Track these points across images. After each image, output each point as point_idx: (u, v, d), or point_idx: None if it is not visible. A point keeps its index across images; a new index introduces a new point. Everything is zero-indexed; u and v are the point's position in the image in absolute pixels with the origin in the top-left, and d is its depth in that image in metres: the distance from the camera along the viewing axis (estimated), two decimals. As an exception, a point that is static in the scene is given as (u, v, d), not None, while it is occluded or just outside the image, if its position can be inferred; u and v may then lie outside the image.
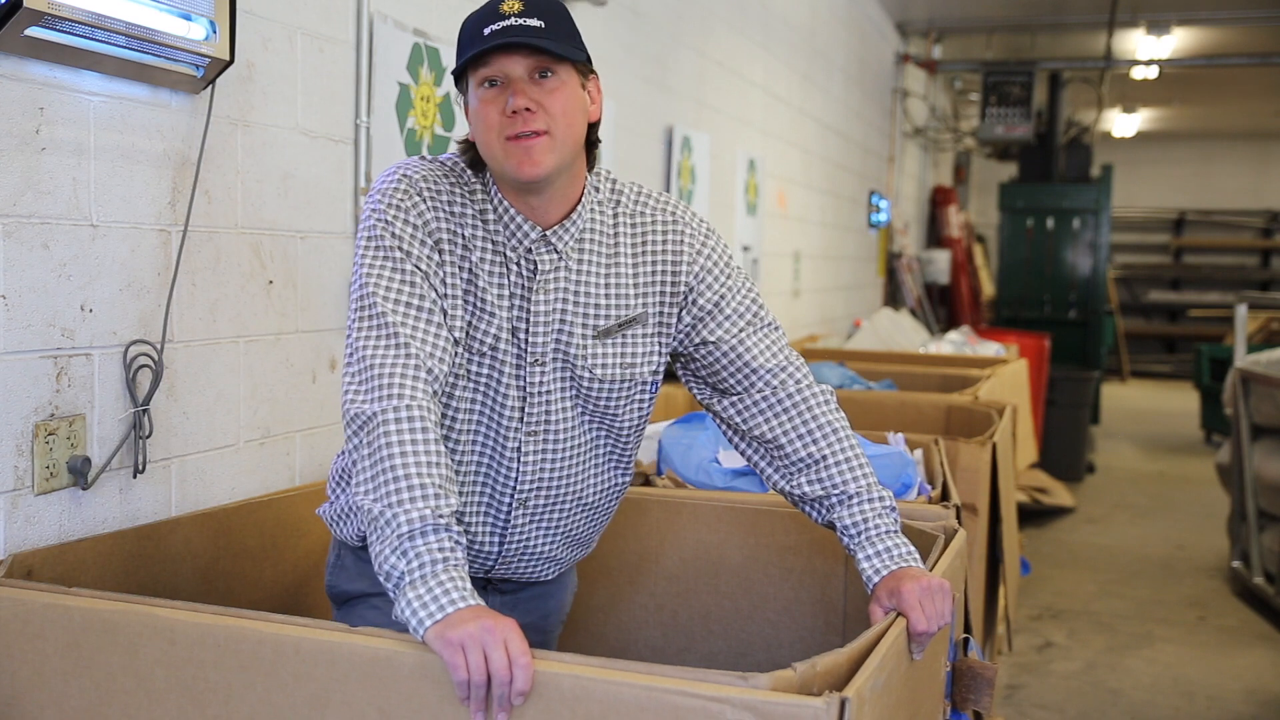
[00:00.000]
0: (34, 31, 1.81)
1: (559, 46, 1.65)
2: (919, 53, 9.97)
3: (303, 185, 2.52)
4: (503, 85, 1.67)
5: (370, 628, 1.53)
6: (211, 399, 2.30)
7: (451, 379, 1.74)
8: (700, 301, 1.82)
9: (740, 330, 1.83)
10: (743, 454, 1.90)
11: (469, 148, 1.77)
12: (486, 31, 1.65)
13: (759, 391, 1.84)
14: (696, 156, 4.90)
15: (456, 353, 1.74)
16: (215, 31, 2.12)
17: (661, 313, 1.82)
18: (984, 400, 4.02)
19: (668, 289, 1.82)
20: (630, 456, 1.93)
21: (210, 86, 2.20)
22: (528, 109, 1.65)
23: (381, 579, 1.49)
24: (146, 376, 2.11)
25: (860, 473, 1.81)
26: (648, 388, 1.86)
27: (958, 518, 2.32)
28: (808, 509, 1.85)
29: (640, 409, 1.87)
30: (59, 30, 1.84)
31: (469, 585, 1.47)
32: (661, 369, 1.86)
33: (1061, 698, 4.33)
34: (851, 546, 1.78)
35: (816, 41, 7.04)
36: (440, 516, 1.50)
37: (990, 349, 6.77)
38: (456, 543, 1.50)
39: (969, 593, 2.26)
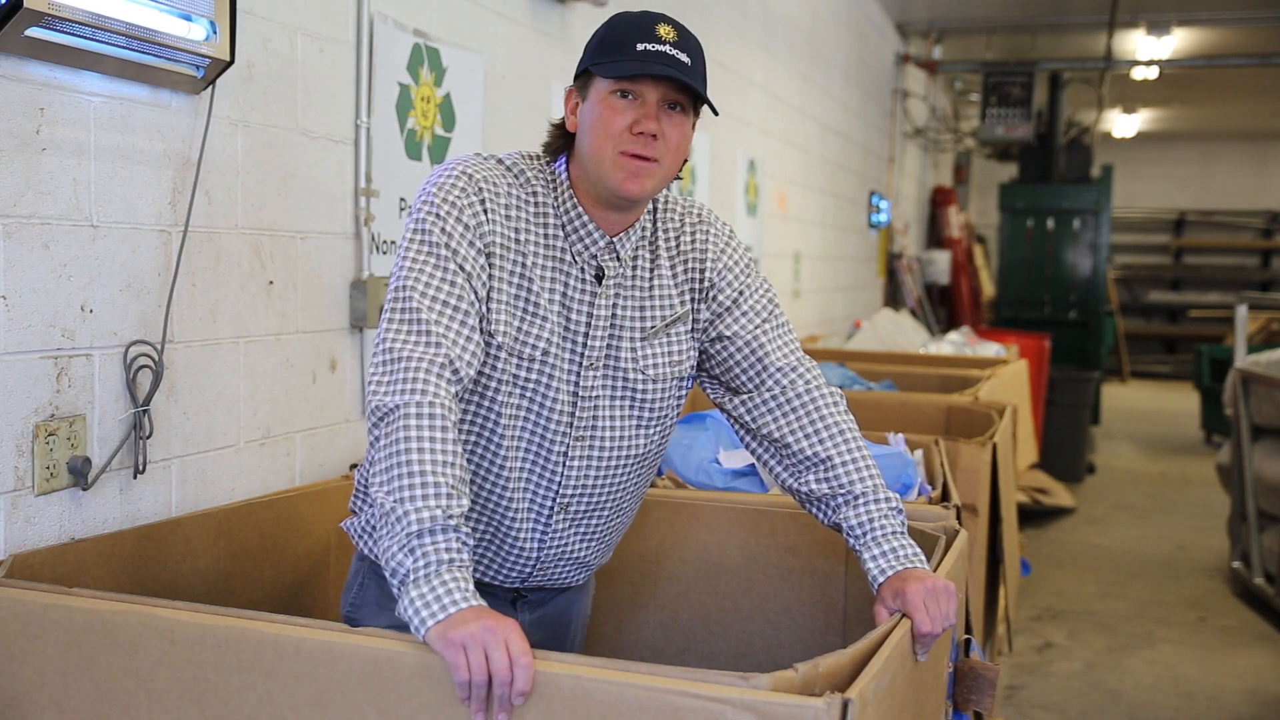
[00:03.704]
0: (34, 32, 1.81)
1: (703, 92, 1.72)
2: (919, 53, 9.97)
3: (303, 185, 2.52)
4: (636, 102, 1.70)
5: (370, 628, 1.53)
6: (212, 399, 2.30)
7: (495, 384, 1.75)
8: (720, 297, 1.87)
9: (756, 327, 1.87)
10: (752, 452, 1.92)
11: (560, 134, 1.79)
12: (639, 48, 1.68)
13: (769, 390, 1.86)
14: (696, 157, 4.90)
15: (502, 358, 1.74)
16: (215, 32, 2.12)
17: (693, 308, 1.87)
18: (984, 401, 4.02)
19: (696, 285, 1.87)
20: (659, 459, 1.95)
21: (210, 87, 2.20)
22: (654, 135, 1.70)
23: (388, 574, 1.49)
24: (147, 377, 2.11)
25: (867, 474, 1.82)
26: (686, 383, 1.90)
27: (958, 518, 2.32)
28: (814, 509, 1.86)
29: (680, 405, 1.91)
30: (59, 31, 1.84)
31: (472, 586, 1.47)
32: (696, 364, 1.91)
33: (1061, 698, 4.33)
34: (857, 547, 1.79)
35: (816, 42, 7.04)
36: (450, 517, 1.50)
37: (990, 349, 6.77)
38: (463, 544, 1.50)
39: (969, 593, 2.25)
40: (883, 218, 9.06)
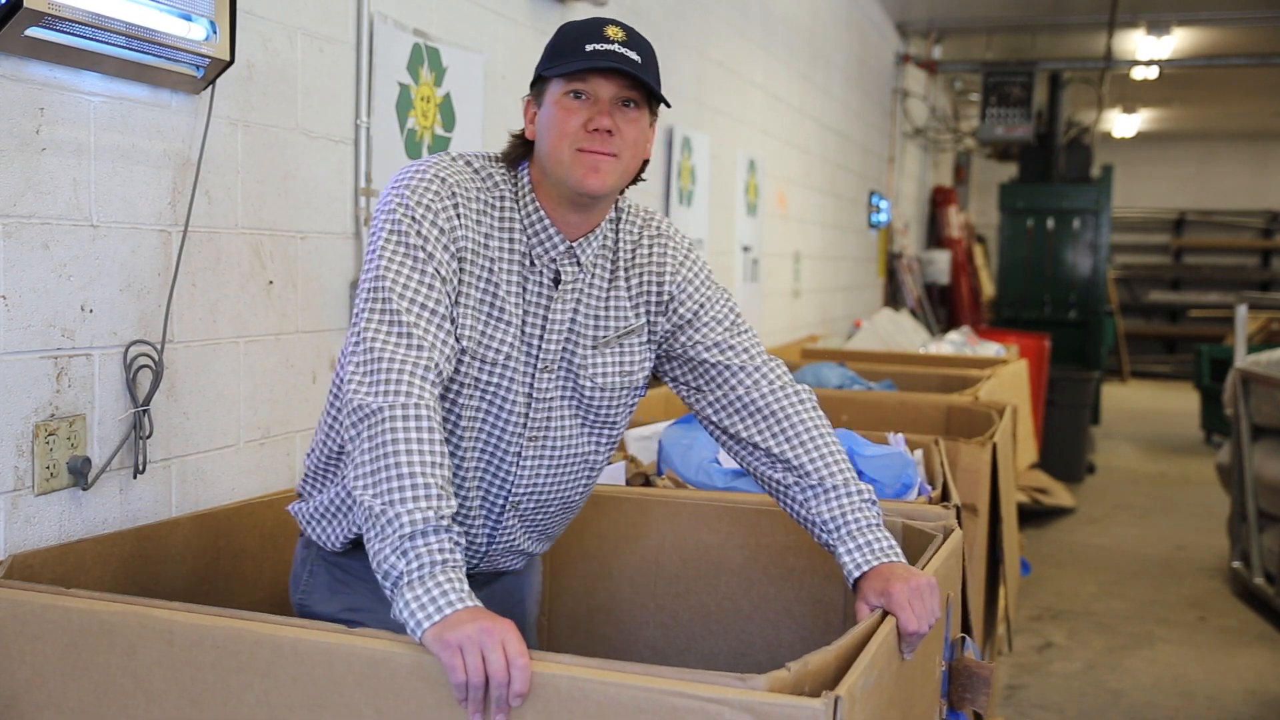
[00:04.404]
0: (34, 32, 1.81)
1: (654, 86, 1.75)
2: (919, 53, 9.97)
3: (303, 185, 2.52)
4: (589, 101, 1.73)
5: (368, 629, 1.53)
6: (211, 399, 2.30)
7: (457, 387, 1.76)
8: (681, 310, 1.90)
9: (719, 337, 1.90)
10: (724, 446, 1.95)
11: (521, 142, 1.82)
12: (589, 49, 1.71)
13: (734, 393, 1.89)
14: (696, 157, 4.90)
15: (465, 361, 1.75)
16: (215, 32, 2.12)
17: (650, 320, 1.90)
18: (984, 400, 4.02)
19: (653, 298, 1.89)
20: (609, 458, 1.99)
21: (210, 87, 2.20)
22: (608, 131, 1.72)
23: (379, 577, 1.50)
24: (146, 377, 2.11)
25: (838, 468, 1.84)
26: (639, 391, 1.93)
27: (958, 518, 2.32)
28: (786, 501, 1.88)
29: (631, 412, 1.94)
30: (59, 30, 1.84)
31: (467, 587, 1.47)
32: (650, 372, 1.94)
33: (1061, 698, 4.33)
34: (831, 541, 1.80)
35: (816, 42, 7.04)
36: (441, 518, 1.50)
37: (990, 349, 6.77)
38: (456, 544, 1.50)
39: (969, 593, 2.26)
40: (883, 218, 9.06)
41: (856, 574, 1.75)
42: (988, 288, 11.91)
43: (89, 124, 2.00)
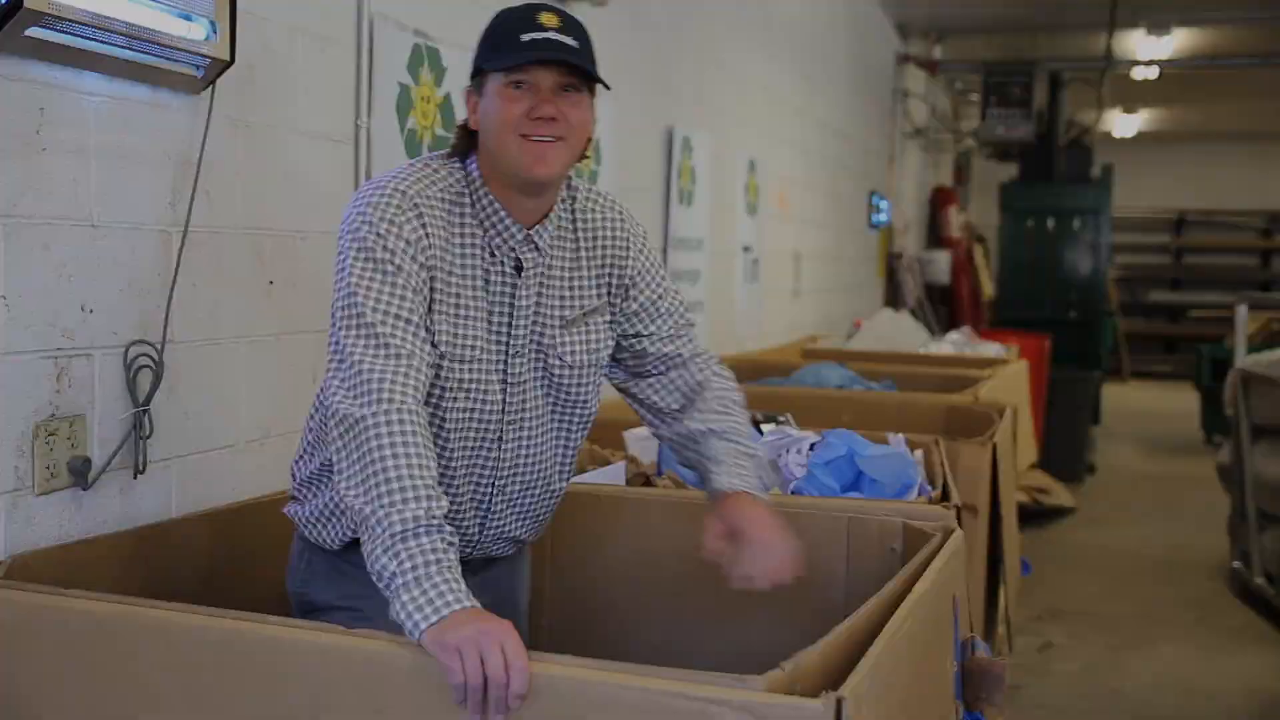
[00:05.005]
0: (34, 32, 1.81)
1: (592, 70, 1.77)
2: (919, 53, 9.97)
3: (303, 185, 2.52)
4: (530, 90, 1.74)
5: (367, 629, 1.53)
6: (212, 399, 2.30)
7: (439, 391, 1.78)
8: (640, 298, 1.96)
9: (670, 327, 1.98)
10: (648, 422, 2.04)
11: (467, 134, 1.83)
12: (525, 39, 1.72)
13: (672, 374, 1.99)
14: (696, 156, 4.89)
15: (445, 366, 1.77)
16: (215, 32, 2.12)
17: (610, 300, 1.95)
18: (984, 401, 4.02)
19: (613, 278, 1.94)
20: (583, 438, 2.04)
21: (210, 87, 2.20)
22: (553, 118, 1.73)
23: (374, 578, 1.50)
24: (147, 377, 2.11)
25: (750, 440, 1.96)
26: (604, 369, 1.99)
27: (958, 518, 2.31)
28: (690, 449, 1.97)
29: (598, 390, 1.99)
30: (59, 30, 1.84)
31: (464, 587, 1.48)
32: (611, 350, 2.00)
33: (1062, 698, 4.33)
34: (711, 468, 1.91)
35: (817, 42, 7.04)
36: (432, 518, 1.51)
37: (990, 349, 6.76)
38: (449, 544, 1.51)
39: (969, 593, 2.25)
40: (883, 218, 9.06)
41: (723, 487, 1.86)
42: (988, 288, 11.90)
43: (89, 124, 2.00)
